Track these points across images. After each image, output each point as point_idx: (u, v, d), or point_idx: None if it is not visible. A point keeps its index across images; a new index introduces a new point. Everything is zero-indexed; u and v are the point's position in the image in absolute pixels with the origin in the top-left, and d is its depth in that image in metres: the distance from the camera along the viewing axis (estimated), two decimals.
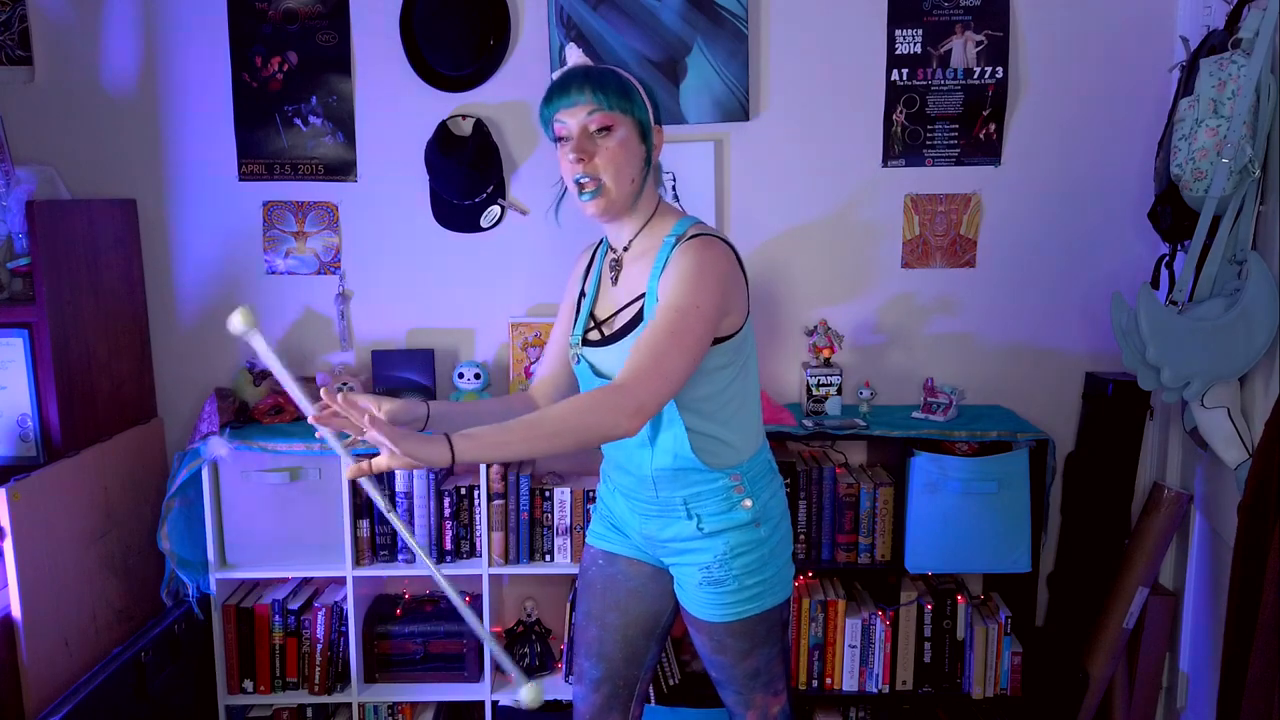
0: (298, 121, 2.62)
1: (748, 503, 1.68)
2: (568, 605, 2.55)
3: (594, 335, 1.70)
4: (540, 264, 2.68)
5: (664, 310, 1.53)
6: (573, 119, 1.58)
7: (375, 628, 2.57)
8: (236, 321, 1.40)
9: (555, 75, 1.62)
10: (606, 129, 1.58)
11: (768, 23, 2.57)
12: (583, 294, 1.77)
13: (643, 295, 1.63)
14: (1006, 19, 2.54)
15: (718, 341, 1.60)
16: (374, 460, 1.41)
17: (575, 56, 1.65)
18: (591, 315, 1.73)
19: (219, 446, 2.39)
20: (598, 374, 1.68)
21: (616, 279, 1.70)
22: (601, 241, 1.79)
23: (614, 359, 1.64)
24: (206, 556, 2.47)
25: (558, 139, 1.61)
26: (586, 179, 1.58)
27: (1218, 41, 2.15)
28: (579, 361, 1.71)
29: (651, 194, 1.68)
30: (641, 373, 1.48)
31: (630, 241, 1.68)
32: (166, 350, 2.72)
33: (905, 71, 2.57)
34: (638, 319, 1.62)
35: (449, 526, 2.50)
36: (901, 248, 2.65)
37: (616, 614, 1.81)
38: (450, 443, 1.39)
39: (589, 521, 2.47)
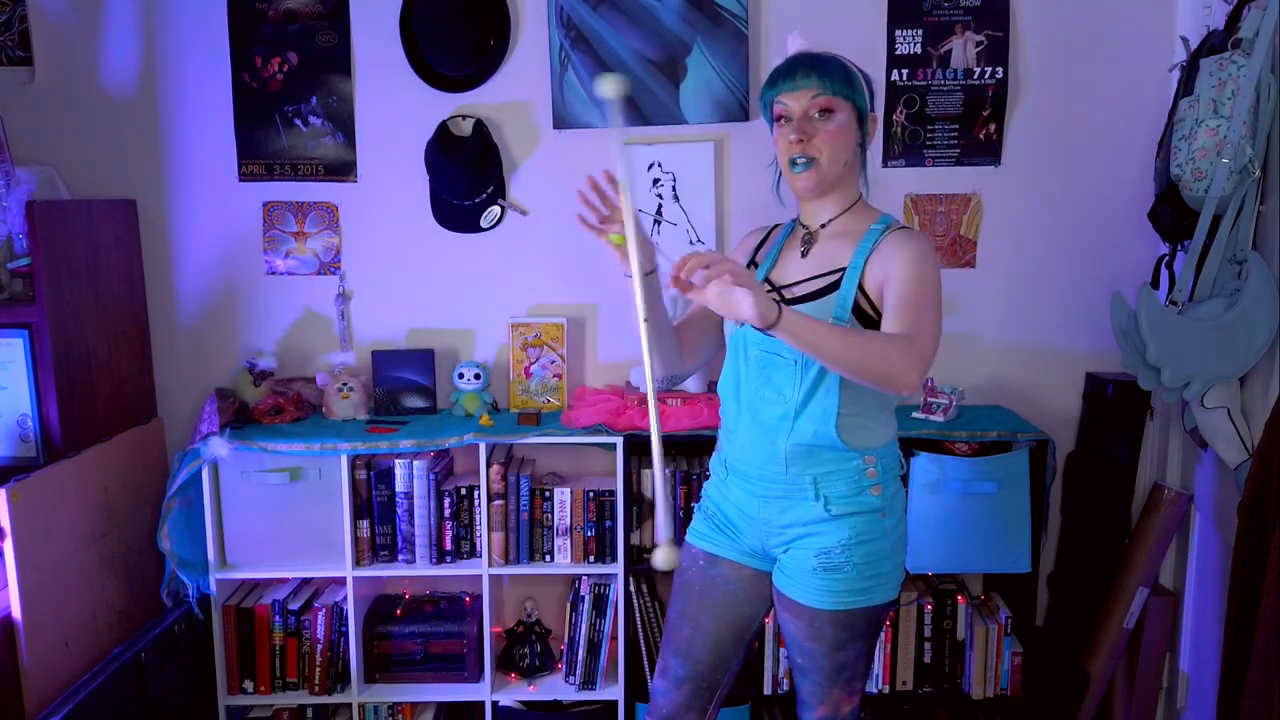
0: (298, 122, 2.62)
1: (878, 489, 1.68)
2: (568, 606, 2.55)
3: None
4: (540, 264, 2.68)
5: (912, 282, 1.58)
6: (795, 102, 1.65)
7: (375, 628, 2.57)
8: (609, 88, 1.47)
9: (780, 61, 1.70)
10: (828, 112, 1.65)
11: (768, 23, 2.57)
12: (753, 264, 1.82)
13: (841, 270, 1.66)
14: (1006, 19, 2.54)
15: None
16: (708, 290, 1.40)
17: (799, 44, 1.71)
18: (767, 280, 1.76)
19: (219, 447, 2.39)
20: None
21: (806, 253, 1.73)
22: (777, 225, 1.86)
23: None
24: (206, 557, 2.47)
25: (776, 119, 1.68)
26: (802, 157, 1.65)
27: (1218, 41, 2.16)
28: (739, 323, 1.72)
29: (856, 182, 1.74)
30: (921, 331, 1.54)
31: (830, 220, 1.73)
32: (166, 350, 2.72)
33: (905, 71, 2.57)
34: (830, 289, 1.66)
35: (449, 526, 2.50)
36: None
37: (711, 616, 1.80)
38: (781, 309, 1.43)
39: (589, 522, 2.49)
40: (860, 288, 1.64)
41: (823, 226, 1.73)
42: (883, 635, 2.48)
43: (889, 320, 1.58)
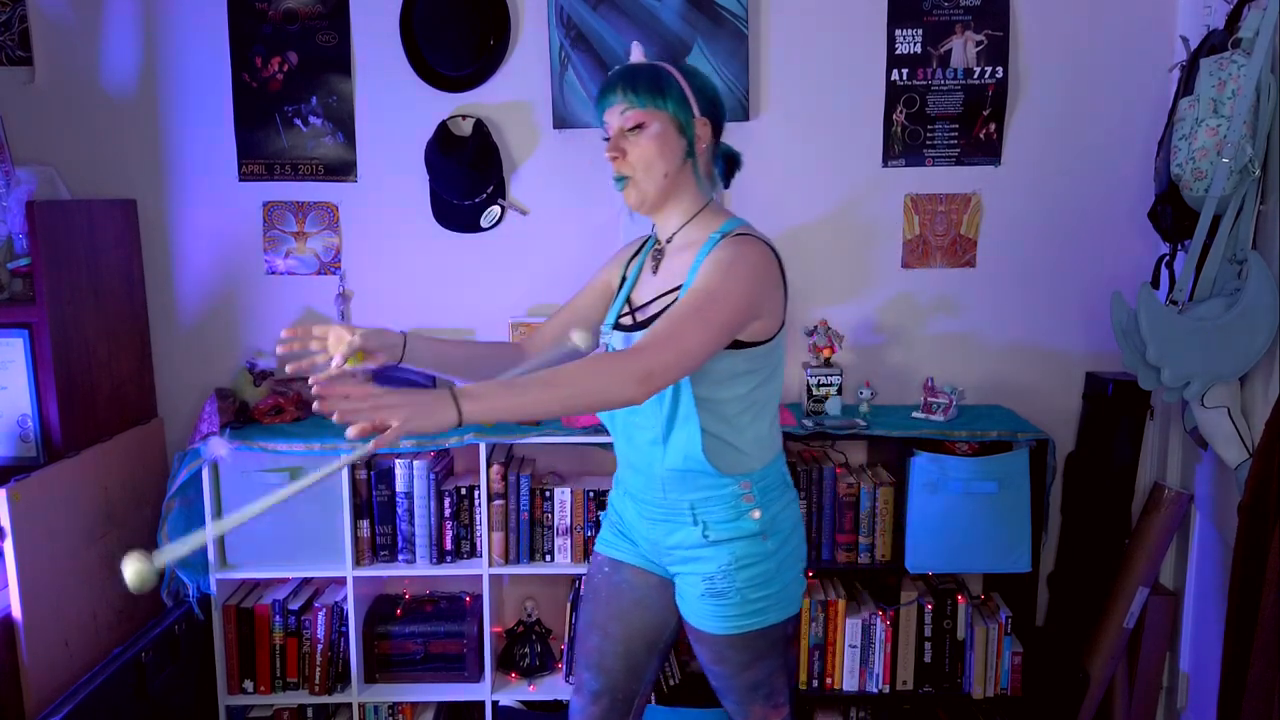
0: (298, 122, 2.62)
1: (756, 513, 1.65)
2: (568, 605, 2.55)
3: (626, 320, 1.70)
4: (540, 264, 2.68)
5: (692, 292, 1.53)
6: (611, 119, 1.62)
7: (375, 628, 2.57)
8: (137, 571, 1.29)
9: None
10: (638, 126, 1.60)
11: (768, 23, 2.57)
12: (624, 279, 1.79)
13: (680, 286, 1.62)
14: (1006, 19, 2.54)
15: (745, 346, 1.58)
16: (383, 435, 1.32)
17: (635, 55, 1.68)
18: (628, 301, 1.73)
19: (219, 447, 2.37)
20: None
21: (657, 268, 1.70)
22: (650, 237, 1.80)
23: None
24: (206, 557, 2.47)
25: (607, 139, 1.64)
26: (620, 175, 1.62)
27: (1218, 41, 2.16)
28: (607, 348, 1.70)
29: (696, 189, 1.67)
30: (656, 341, 1.45)
31: (674, 234, 1.68)
32: (166, 350, 2.72)
33: (905, 71, 2.57)
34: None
35: (449, 526, 2.50)
36: (901, 248, 2.65)
37: (619, 624, 1.79)
38: (457, 406, 1.32)
39: (589, 522, 2.49)
40: None
41: (668, 241, 1.69)
42: (883, 636, 2.48)
43: (651, 328, 1.51)
